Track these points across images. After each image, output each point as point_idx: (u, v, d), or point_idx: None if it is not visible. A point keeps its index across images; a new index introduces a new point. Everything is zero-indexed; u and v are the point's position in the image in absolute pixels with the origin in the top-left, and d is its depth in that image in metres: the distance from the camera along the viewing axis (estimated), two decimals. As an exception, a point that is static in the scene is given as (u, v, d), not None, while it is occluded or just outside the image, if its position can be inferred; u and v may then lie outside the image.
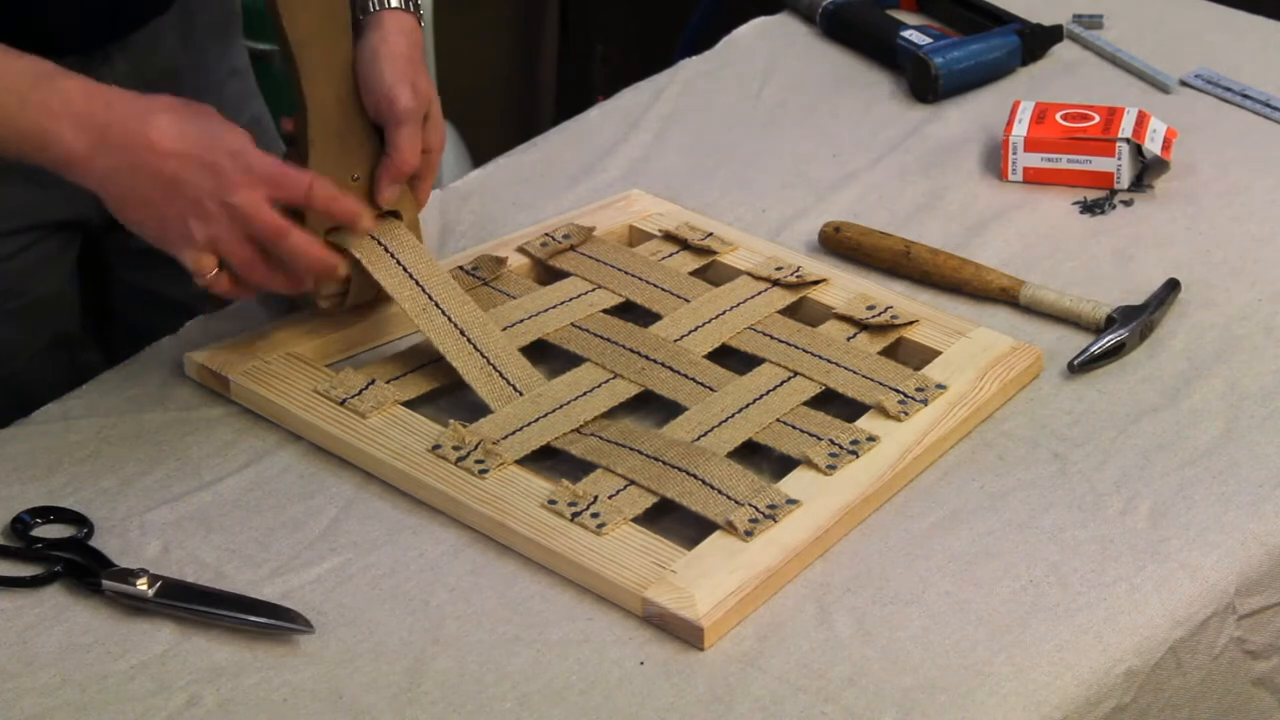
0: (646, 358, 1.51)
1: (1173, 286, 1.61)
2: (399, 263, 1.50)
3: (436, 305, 1.50)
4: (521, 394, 1.46)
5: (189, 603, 1.29)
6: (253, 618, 1.28)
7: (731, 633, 1.29)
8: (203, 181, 1.37)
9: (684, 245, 1.66)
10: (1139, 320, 1.56)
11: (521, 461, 1.41)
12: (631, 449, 1.41)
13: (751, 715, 1.23)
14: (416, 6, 1.54)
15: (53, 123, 1.36)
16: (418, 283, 1.50)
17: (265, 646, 1.28)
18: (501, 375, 1.47)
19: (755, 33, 2.07)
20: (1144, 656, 1.30)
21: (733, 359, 1.52)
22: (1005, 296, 1.61)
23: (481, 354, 1.48)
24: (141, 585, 1.30)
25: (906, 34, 1.96)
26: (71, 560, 1.33)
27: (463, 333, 1.49)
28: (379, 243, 1.50)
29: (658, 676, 1.25)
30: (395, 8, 1.51)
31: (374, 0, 1.51)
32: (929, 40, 1.95)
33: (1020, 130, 1.78)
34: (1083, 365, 1.53)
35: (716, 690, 1.24)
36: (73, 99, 1.36)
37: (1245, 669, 1.39)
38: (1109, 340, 1.54)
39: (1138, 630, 1.30)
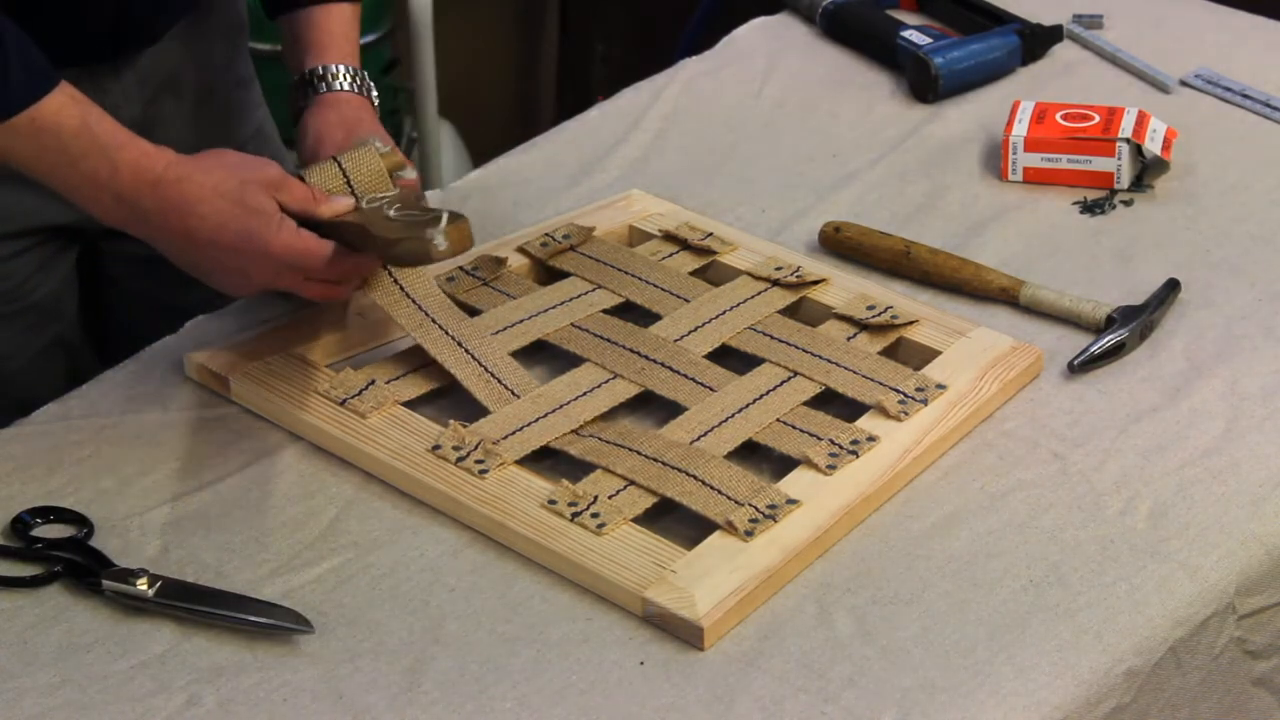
0: (646, 358, 1.51)
1: (1173, 286, 1.61)
2: (397, 283, 1.51)
3: (433, 320, 1.50)
4: (519, 397, 1.46)
5: (189, 603, 1.29)
6: (253, 618, 1.28)
7: (731, 633, 1.28)
8: (237, 270, 1.42)
9: (684, 245, 1.66)
10: (1139, 320, 1.56)
11: (521, 462, 1.41)
12: (631, 449, 1.41)
13: (751, 715, 1.23)
14: (366, 87, 1.59)
15: (95, 190, 1.39)
16: (414, 301, 1.51)
17: (265, 646, 1.28)
18: (500, 381, 1.48)
19: (755, 33, 2.07)
20: (1144, 656, 1.30)
21: (733, 359, 1.52)
22: (1005, 296, 1.61)
23: (479, 363, 1.49)
24: (141, 585, 1.30)
25: (906, 34, 1.96)
26: (71, 560, 1.33)
27: (460, 344, 1.49)
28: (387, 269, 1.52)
29: (658, 676, 1.25)
30: (342, 90, 1.57)
31: (323, 82, 1.57)
32: (929, 40, 1.95)
33: (1020, 130, 1.78)
34: (1083, 365, 1.53)
35: (716, 690, 1.24)
36: (119, 173, 1.39)
37: (1245, 669, 1.39)
38: (1109, 340, 1.54)
39: (1138, 630, 1.30)
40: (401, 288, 1.51)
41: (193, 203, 1.39)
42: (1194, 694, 1.35)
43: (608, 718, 1.23)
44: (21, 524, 1.36)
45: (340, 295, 1.48)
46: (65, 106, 1.37)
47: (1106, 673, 1.28)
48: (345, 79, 1.58)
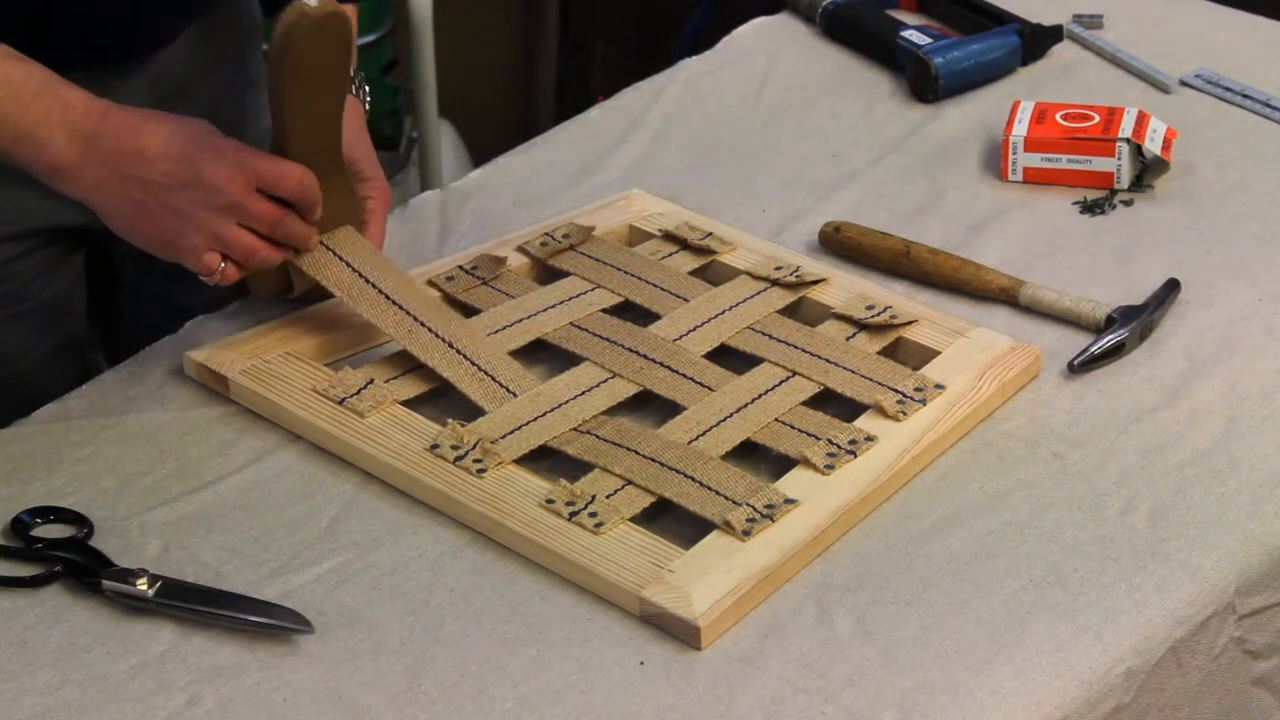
0: (645, 357, 1.51)
1: (1173, 286, 1.61)
2: (378, 289, 1.52)
3: (422, 324, 1.50)
4: (515, 395, 1.46)
5: (189, 603, 1.29)
6: (253, 618, 1.28)
7: (731, 633, 1.28)
8: (193, 182, 1.40)
9: (683, 245, 1.66)
10: (1139, 320, 1.56)
11: (520, 461, 1.41)
12: (629, 449, 1.41)
13: (751, 715, 1.23)
14: (364, 92, 1.63)
15: (48, 130, 1.38)
16: (401, 307, 1.51)
17: (265, 646, 1.28)
18: (494, 380, 1.48)
19: (755, 33, 2.07)
20: (1144, 656, 1.30)
21: (731, 359, 1.52)
22: (1005, 296, 1.61)
23: (473, 363, 1.49)
24: (141, 585, 1.30)
25: (906, 34, 1.96)
26: (71, 560, 1.33)
27: (450, 345, 1.49)
28: (354, 269, 1.52)
29: (658, 676, 1.25)
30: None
31: None
32: (929, 40, 1.95)
33: (1020, 130, 1.78)
34: (1083, 365, 1.53)
35: (717, 690, 1.24)
36: (72, 108, 1.39)
37: (1245, 669, 1.39)
38: (1109, 340, 1.54)
39: (1138, 630, 1.30)
40: (387, 296, 1.51)
41: (144, 119, 1.40)
42: (1194, 694, 1.35)
43: (608, 718, 1.23)
44: (21, 524, 1.36)
45: (271, 257, 1.46)
46: (6, 59, 1.38)
47: (1106, 673, 1.28)
48: None
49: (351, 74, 1.57)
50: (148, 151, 1.39)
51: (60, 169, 1.40)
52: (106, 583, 1.30)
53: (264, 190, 1.43)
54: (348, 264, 1.52)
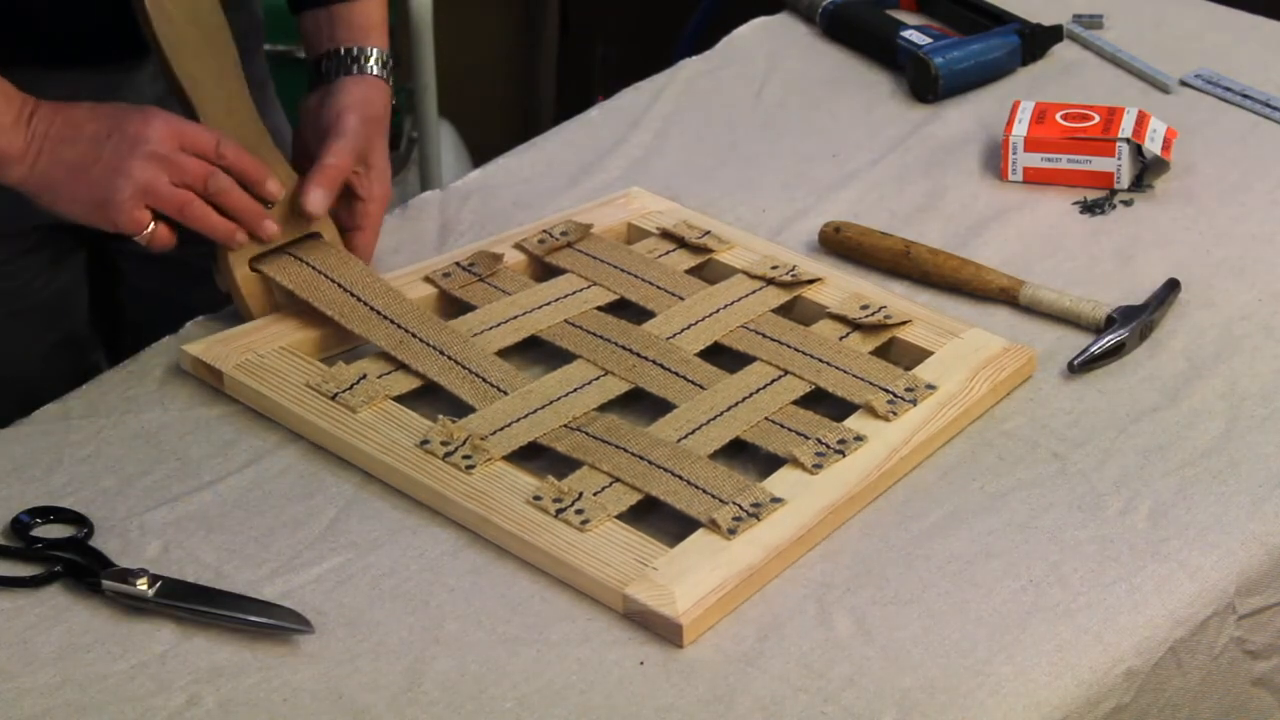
0: (638, 355, 1.51)
1: (1173, 286, 1.61)
2: (368, 306, 1.52)
3: (412, 334, 1.50)
4: (506, 394, 1.46)
5: (189, 603, 1.29)
6: (253, 618, 1.28)
7: (731, 633, 1.28)
8: (117, 133, 1.43)
9: (681, 243, 1.66)
10: (1139, 320, 1.56)
11: (509, 457, 1.40)
12: (618, 447, 1.41)
13: (751, 715, 1.23)
14: (389, 73, 1.64)
15: None
16: (391, 320, 1.52)
17: (265, 646, 1.28)
18: (485, 381, 1.48)
19: (755, 33, 2.07)
20: (1144, 656, 1.30)
21: (725, 357, 1.52)
22: (1005, 296, 1.61)
23: (464, 366, 1.49)
24: (141, 585, 1.30)
25: (906, 34, 1.97)
26: (71, 560, 1.33)
27: (441, 352, 1.49)
28: (342, 288, 1.53)
29: (658, 676, 1.25)
30: (358, 74, 1.61)
31: (348, 66, 1.61)
32: (929, 40, 1.95)
33: (1020, 130, 1.78)
34: (1083, 365, 1.53)
35: (717, 690, 1.24)
36: (10, 99, 1.43)
37: (1245, 669, 1.39)
38: (1109, 340, 1.54)
39: (1138, 630, 1.30)
40: (377, 311, 1.51)
41: (75, 101, 1.45)
42: (1194, 694, 1.35)
43: (608, 718, 1.23)
44: (21, 524, 1.36)
45: (208, 215, 1.48)
46: None
47: (1106, 673, 1.28)
48: (375, 64, 1.62)
49: (230, 36, 1.59)
50: (75, 117, 1.44)
51: (8, 156, 1.43)
52: (106, 583, 1.30)
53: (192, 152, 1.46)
54: (336, 281, 1.53)
